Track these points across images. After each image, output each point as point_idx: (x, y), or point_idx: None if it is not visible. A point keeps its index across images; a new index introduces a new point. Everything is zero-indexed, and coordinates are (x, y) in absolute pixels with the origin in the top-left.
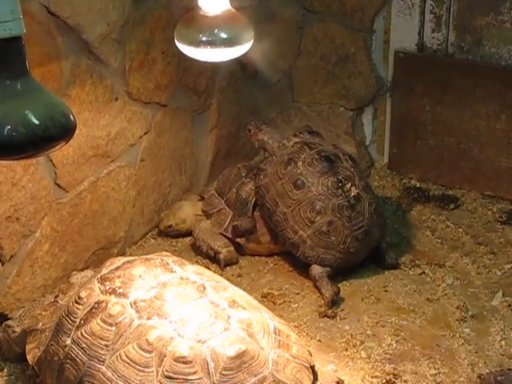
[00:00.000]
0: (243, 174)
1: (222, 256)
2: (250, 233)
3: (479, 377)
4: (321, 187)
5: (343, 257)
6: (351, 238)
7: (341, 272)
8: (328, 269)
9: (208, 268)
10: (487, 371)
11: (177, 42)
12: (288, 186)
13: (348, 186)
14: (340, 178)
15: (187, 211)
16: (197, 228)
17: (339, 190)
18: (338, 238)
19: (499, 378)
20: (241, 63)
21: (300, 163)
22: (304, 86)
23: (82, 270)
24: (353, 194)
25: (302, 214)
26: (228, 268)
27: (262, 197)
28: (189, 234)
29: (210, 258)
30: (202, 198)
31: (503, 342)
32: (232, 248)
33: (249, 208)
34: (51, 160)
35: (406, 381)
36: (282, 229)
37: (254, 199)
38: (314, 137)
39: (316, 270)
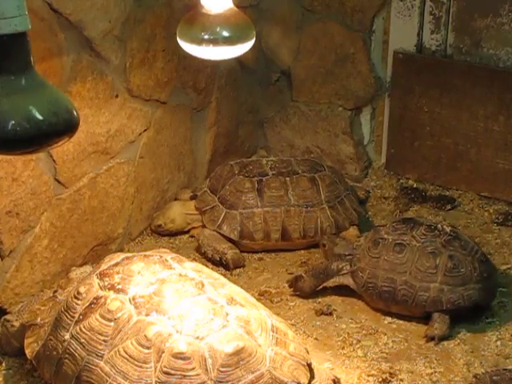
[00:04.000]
0: (236, 172)
1: (229, 256)
2: (300, 295)
3: (475, 376)
4: (419, 237)
5: (483, 286)
6: (477, 262)
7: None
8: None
9: (206, 266)
10: (483, 371)
11: (179, 40)
12: (391, 257)
13: (439, 226)
14: (428, 224)
15: (176, 211)
16: (201, 235)
17: (436, 232)
18: (467, 268)
19: (495, 377)
20: (240, 61)
21: (385, 235)
22: (303, 86)
23: (80, 265)
24: (448, 229)
25: (422, 268)
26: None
27: (374, 288)
28: (181, 233)
29: (216, 263)
30: (195, 196)
31: (499, 343)
32: (238, 250)
33: (324, 280)
34: (51, 156)
35: (402, 379)
36: (413, 296)
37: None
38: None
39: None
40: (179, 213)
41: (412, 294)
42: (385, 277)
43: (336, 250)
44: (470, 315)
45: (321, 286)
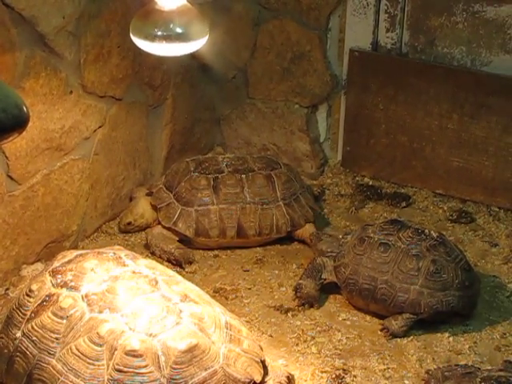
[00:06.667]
0: (192, 169)
1: (176, 253)
2: (309, 302)
3: (427, 372)
4: (405, 239)
5: (463, 294)
6: (460, 269)
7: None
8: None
9: (160, 263)
10: (435, 367)
11: (132, 36)
12: (375, 255)
13: (426, 230)
14: (415, 227)
15: (143, 206)
16: (149, 235)
17: (422, 235)
18: (449, 274)
19: (446, 373)
20: (196, 59)
21: (372, 234)
22: (259, 83)
23: (33, 263)
24: (435, 234)
25: (404, 269)
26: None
27: (355, 284)
28: (136, 231)
29: (168, 263)
30: (151, 193)
31: (451, 339)
32: (185, 248)
33: (319, 276)
34: (4, 152)
35: (355, 376)
36: (392, 296)
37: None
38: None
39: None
40: (147, 207)
41: (391, 294)
42: (366, 274)
43: (319, 246)
44: (448, 321)
45: (325, 282)
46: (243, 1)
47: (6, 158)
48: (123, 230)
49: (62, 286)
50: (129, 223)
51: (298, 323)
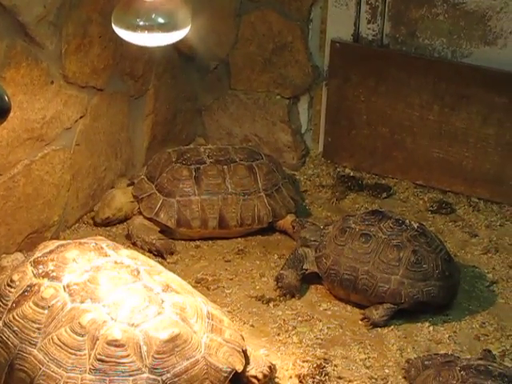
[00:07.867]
0: (173, 159)
1: (158, 244)
2: (291, 292)
3: (407, 361)
4: (386, 229)
5: (443, 284)
6: (440, 260)
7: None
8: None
9: (142, 253)
10: (415, 356)
11: (114, 26)
12: (356, 246)
13: (407, 221)
14: (396, 218)
15: (121, 199)
16: (131, 225)
17: (403, 226)
18: (429, 264)
19: (426, 362)
20: (178, 49)
21: (353, 225)
22: (241, 74)
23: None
24: (416, 225)
25: (385, 260)
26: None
27: (336, 275)
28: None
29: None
30: (132, 183)
31: (431, 328)
32: (166, 238)
33: (301, 267)
34: None
35: (336, 365)
36: (373, 286)
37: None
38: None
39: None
40: (124, 200)
41: (372, 284)
42: (347, 265)
43: (302, 233)
44: (428, 311)
45: (306, 272)
46: None
47: None
48: (100, 225)
49: (43, 276)
50: (107, 218)
51: (280, 313)
